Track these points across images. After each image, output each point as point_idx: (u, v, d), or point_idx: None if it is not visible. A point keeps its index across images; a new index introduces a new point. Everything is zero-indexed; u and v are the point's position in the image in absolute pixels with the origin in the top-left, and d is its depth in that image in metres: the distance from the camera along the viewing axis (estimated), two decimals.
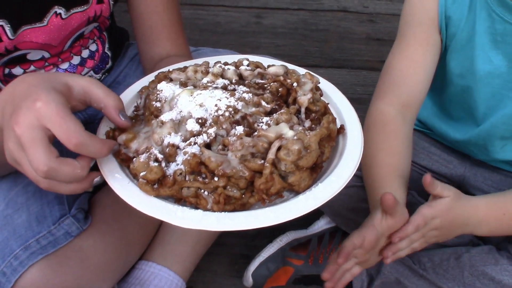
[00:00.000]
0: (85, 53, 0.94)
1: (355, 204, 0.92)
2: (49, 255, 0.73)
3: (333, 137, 0.59)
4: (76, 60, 0.92)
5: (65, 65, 0.90)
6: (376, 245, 0.74)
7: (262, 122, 0.57)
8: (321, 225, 1.02)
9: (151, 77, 0.70)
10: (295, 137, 0.54)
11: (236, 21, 1.84)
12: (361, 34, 1.82)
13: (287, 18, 1.88)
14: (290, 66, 0.69)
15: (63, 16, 0.82)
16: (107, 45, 0.99)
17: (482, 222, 0.79)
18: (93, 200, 0.84)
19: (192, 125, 0.55)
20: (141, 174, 0.53)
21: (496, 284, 0.83)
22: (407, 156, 0.84)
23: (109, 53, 0.99)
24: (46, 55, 0.86)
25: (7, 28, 0.77)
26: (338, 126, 0.63)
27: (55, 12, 0.81)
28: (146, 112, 0.62)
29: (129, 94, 0.68)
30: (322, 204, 0.54)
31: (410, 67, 0.86)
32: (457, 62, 0.86)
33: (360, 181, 0.90)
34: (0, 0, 0.75)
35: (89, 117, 0.97)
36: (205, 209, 0.53)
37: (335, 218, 0.98)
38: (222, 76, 0.63)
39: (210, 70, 0.64)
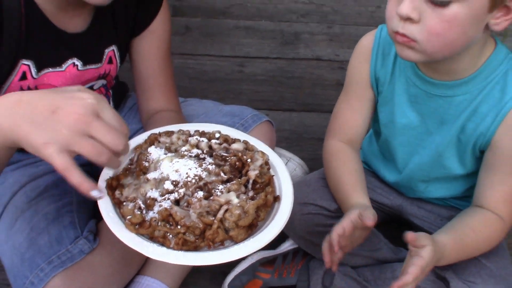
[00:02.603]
0: None
1: (311, 228, 1.09)
2: (67, 268, 0.90)
3: (269, 205, 0.80)
4: None
5: None
6: (353, 234, 0.90)
7: (218, 189, 0.77)
8: (286, 246, 1.19)
9: (145, 136, 0.90)
10: (238, 204, 0.75)
11: (221, 70, 1.98)
12: (332, 80, 1.97)
13: (266, 67, 2.02)
14: (252, 141, 0.90)
15: (79, 68, 1.00)
16: (111, 101, 1.17)
17: (447, 257, 0.90)
18: (100, 225, 1.00)
19: (168, 185, 0.77)
20: (128, 217, 0.75)
21: None
22: (361, 173, 1.05)
23: (112, 106, 1.16)
24: None
25: (32, 69, 0.94)
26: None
27: (73, 62, 0.98)
28: (137, 168, 0.83)
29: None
30: (253, 252, 0.73)
31: (352, 115, 1.07)
32: (383, 114, 1.04)
33: (315, 210, 1.10)
34: (29, 44, 0.91)
35: None
36: (169, 247, 0.74)
37: (297, 240, 1.15)
38: (197, 146, 0.84)
39: (190, 139, 0.85)
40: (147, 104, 1.14)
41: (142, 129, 1.16)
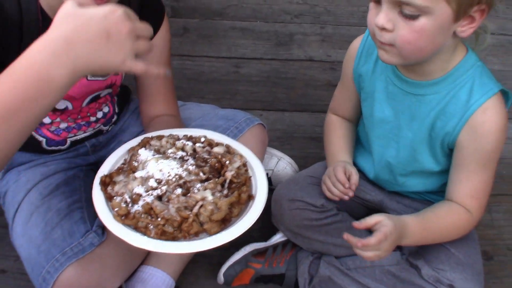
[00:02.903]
0: (100, 114, 1.20)
1: (299, 222, 1.19)
2: (80, 259, 1.00)
3: (242, 203, 0.90)
4: (92, 119, 1.19)
5: (83, 122, 1.17)
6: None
7: (196, 187, 0.87)
8: (277, 238, 1.28)
9: (139, 139, 1.02)
10: (212, 201, 0.85)
11: (218, 71, 2.05)
12: (323, 81, 2.04)
13: (261, 68, 2.09)
14: (234, 145, 1.00)
15: (88, 78, 1.08)
16: (116, 106, 1.26)
17: (410, 236, 1.02)
18: None
19: (152, 183, 0.88)
20: (115, 209, 0.87)
21: (396, 279, 1.10)
22: (349, 138, 1.25)
23: (117, 111, 1.26)
24: (70, 106, 1.11)
25: None
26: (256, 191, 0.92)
27: None
28: (128, 167, 0.94)
29: (122, 150, 1.02)
30: (223, 243, 0.83)
31: (343, 100, 1.26)
32: (365, 108, 1.16)
33: (302, 205, 1.21)
34: None
35: (100, 158, 1.23)
36: (149, 237, 0.85)
37: (286, 233, 1.25)
38: (182, 148, 0.95)
39: (176, 142, 0.96)
40: (148, 109, 1.24)
41: (143, 131, 1.26)
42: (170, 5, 2.57)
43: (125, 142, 1.07)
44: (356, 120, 1.28)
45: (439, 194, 1.17)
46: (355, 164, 1.24)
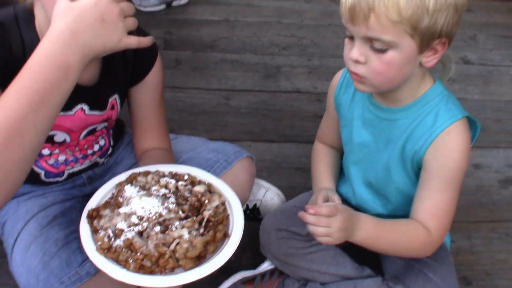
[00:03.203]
0: (96, 147, 1.25)
1: (286, 251, 1.26)
2: (77, 287, 1.06)
3: (218, 241, 0.95)
4: (89, 152, 1.24)
5: (80, 155, 1.23)
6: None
7: (175, 225, 0.93)
8: (265, 266, 1.34)
9: (127, 174, 1.08)
10: (188, 239, 0.91)
11: (209, 103, 2.11)
12: (310, 112, 2.11)
13: (250, 100, 2.16)
14: (216, 183, 1.06)
15: (86, 113, 1.14)
16: (111, 139, 1.32)
17: (362, 229, 1.06)
18: None
19: (134, 219, 0.95)
20: (99, 243, 0.93)
21: None
22: (334, 167, 1.33)
23: (112, 144, 1.31)
24: (68, 139, 1.16)
25: None
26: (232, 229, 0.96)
27: (81, 107, 1.13)
28: (114, 202, 1.01)
29: (111, 185, 1.08)
30: (196, 279, 0.88)
31: (328, 128, 1.35)
32: (344, 134, 1.24)
33: (288, 235, 1.28)
34: None
35: (95, 189, 1.19)
36: (129, 270, 0.91)
37: (274, 261, 1.31)
38: (166, 186, 1.01)
39: (161, 180, 1.02)
40: (141, 143, 1.30)
41: (136, 163, 1.31)
42: (163, 38, 2.66)
43: (119, 174, 1.13)
44: (342, 148, 1.35)
45: None
46: (338, 192, 1.31)
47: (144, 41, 0.94)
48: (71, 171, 1.26)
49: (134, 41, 0.91)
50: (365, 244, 1.09)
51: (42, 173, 1.22)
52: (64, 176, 1.26)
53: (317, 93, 2.27)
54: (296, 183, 1.75)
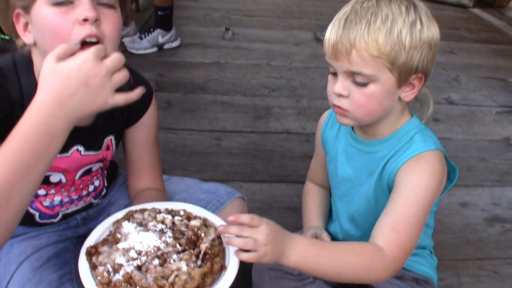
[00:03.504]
0: (91, 188, 1.27)
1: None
2: None
3: (215, 273, 0.97)
4: (84, 192, 1.26)
5: (75, 196, 1.24)
6: None
7: (173, 258, 0.95)
8: None
9: (124, 212, 1.10)
10: (186, 271, 0.93)
11: (200, 144, 2.15)
12: (299, 152, 2.15)
13: (241, 140, 2.19)
14: (211, 218, 1.09)
15: (82, 153, 1.17)
16: (105, 180, 1.34)
17: (297, 249, 0.97)
18: None
19: (133, 254, 0.97)
20: (98, 278, 0.95)
21: None
22: (323, 206, 1.36)
23: (106, 185, 1.34)
24: (63, 179, 1.18)
25: None
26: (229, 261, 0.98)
27: (77, 148, 1.15)
28: (112, 238, 1.03)
29: (108, 222, 1.10)
30: None
31: (316, 166, 1.38)
32: (330, 169, 1.28)
33: (280, 274, 1.28)
34: None
35: (89, 230, 1.21)
36: None
37: None
38: (162, 221, 1.04)
39: (158, 216, 1.05)
40: (135, 183, 1.32)
41: (131, 204, 1.32)
42: (155, 80, 2.72)
43: (113, 214, 1.15)
44: (327, 186, 1.39)
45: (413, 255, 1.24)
46: (328, 231, 1.33)
47: (131, 97, 0.93)
48: (65, 212, 1.27)
49: (121, 100, 0.90)
50: (304, 267, 0.99)
51: (37, 214, 1.23)
52: (59, 217, 1.27)
53: (306, 133, 2.32)
54: (288, 223, 1.73)
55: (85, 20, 0.97)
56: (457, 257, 1.73)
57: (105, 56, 0.88)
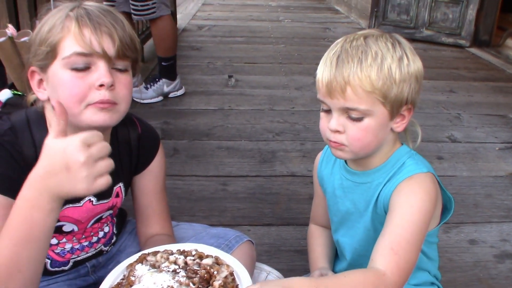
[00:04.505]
0: (101, 234, 1.29)
1: None
2: None
3: None
4: (94, 239, 1.28)
5: (86, 243, 1.26)
6: None
7: None
8: None
9: (137, 255, 1.11)
10: None
11: (206, 189, 2.16)
12: (305, 195, 2.16)
13: (247, 185, 2.21)
14: (222, 256, 1.10)
15: (94, 203, 1.20)
16: (115, 227, 1.37)
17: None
18: None
19: None
20: None
21: None
22: (327, 247, 1.37)
23: (115, 232, 1.36)
24: (76, 228, 1.20)
25: None
26: None
27: (89, 199, 1.19)
28: (127, 282, 1.04)
29: (122, 267, 1.11)
30: None
31: (317, 208, 1.41)
32: (331, 206, 1.29)
33: None
34: None
35: (99, 278, 1.30)
36: None
37: None
38: (175, 262, 1.06)
39: (170, 257, 1.07)
40: (145, 229, 1.34)
41: (140, 251, 1.35)
42: (161, 128, 2.77)
43: (122, 262, 1.16)
44: (329, 226, 1.40)
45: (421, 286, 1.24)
46: (335, 272, 1.33)
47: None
48: (76, 259, 1.29)
49: (104, 184, 0.90)
50: None
51: (49, 262, 1.25)
52: (70, 265, 1.28)
53: (311, 176, 2.28)
54: (296, 265, 1.77)
55: (101, 85, 1.02)
56: None
57: (92, 144, 0.89)
